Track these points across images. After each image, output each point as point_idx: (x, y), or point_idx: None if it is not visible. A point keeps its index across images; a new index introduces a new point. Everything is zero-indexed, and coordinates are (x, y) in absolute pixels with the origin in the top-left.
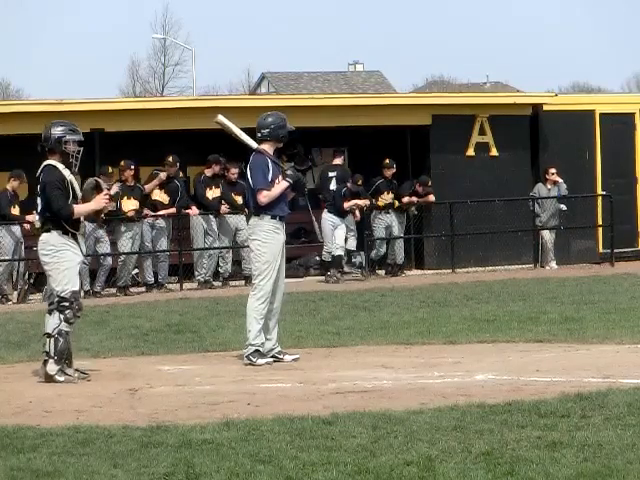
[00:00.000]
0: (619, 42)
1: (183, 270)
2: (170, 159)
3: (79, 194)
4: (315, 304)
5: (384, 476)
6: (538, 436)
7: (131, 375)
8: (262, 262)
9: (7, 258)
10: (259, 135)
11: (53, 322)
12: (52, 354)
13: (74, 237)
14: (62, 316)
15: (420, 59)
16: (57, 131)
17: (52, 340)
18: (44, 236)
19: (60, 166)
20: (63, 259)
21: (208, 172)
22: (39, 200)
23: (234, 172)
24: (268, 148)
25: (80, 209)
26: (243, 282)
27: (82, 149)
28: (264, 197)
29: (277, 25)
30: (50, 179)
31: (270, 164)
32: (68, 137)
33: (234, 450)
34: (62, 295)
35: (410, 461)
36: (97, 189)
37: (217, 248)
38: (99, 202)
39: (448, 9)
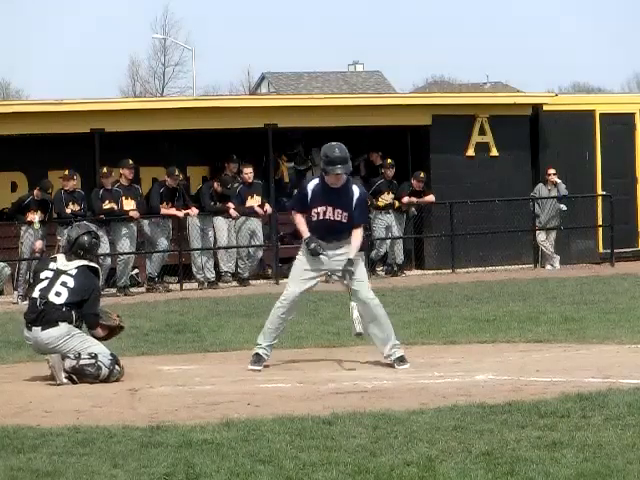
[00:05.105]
0: (619, 42)
1: (183, 270)
2: (176, 172)
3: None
4: (315, 304)
5: (384, 476)
6: (538, 436)
7: (131, 375)
8: (292, 270)
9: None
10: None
11: (106, 354)
12: (76, 364)
13: None
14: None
15: (420, 59)
16: None
17: (91, 360)
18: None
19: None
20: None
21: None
22: (71, 283)
23: (248, 172)
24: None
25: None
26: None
27: None
28: (292, 216)
29: (277, 25)
30: (98, 286)
31: (311, 189)
32: None
33: (234, 450)
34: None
35: (410, 461)
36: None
37: (216, 248)
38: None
39: (448, 9)
